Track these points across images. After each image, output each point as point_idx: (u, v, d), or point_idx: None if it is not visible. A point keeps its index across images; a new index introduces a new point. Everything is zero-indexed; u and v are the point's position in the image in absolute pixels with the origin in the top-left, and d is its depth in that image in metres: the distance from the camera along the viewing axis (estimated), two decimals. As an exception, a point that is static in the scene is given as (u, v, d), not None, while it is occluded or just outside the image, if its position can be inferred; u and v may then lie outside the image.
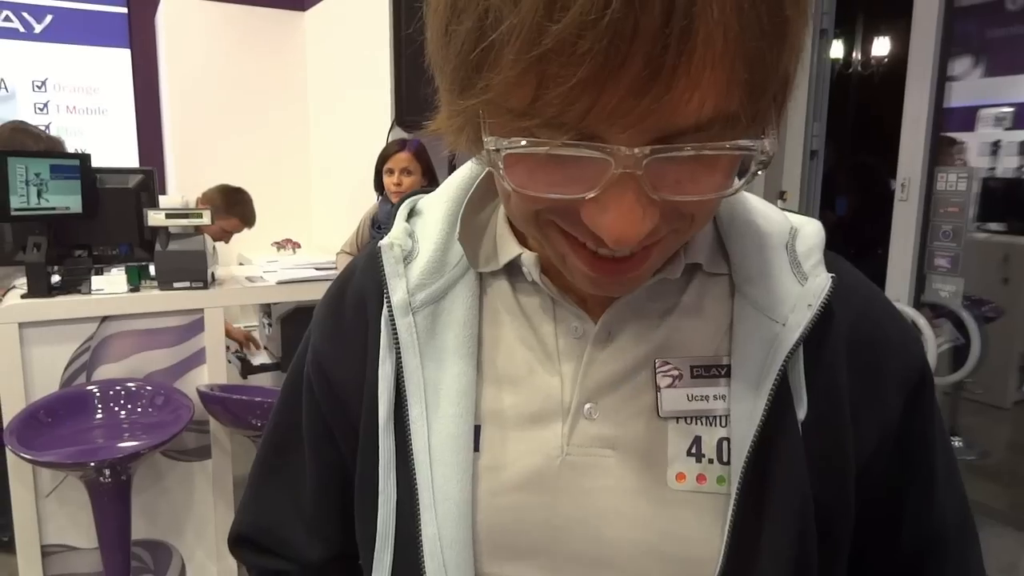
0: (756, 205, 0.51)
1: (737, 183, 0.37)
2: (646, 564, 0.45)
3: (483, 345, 0.49)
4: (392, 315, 0.48)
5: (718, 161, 0.35)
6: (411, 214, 0.53)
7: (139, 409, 1.97)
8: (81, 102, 4.21)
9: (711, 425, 0.46)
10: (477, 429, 0.47)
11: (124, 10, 4.24)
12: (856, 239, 2.83)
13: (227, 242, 3.06)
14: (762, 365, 0.45)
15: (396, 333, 0.47)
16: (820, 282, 0.46)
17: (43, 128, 2.85)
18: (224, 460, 2.21)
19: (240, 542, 0.61)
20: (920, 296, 2.31)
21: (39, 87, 4.12)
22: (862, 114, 4.41)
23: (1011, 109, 5.50)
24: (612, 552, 0.46)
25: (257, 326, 3.13)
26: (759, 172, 0.36)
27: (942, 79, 2.23)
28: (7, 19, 4.01)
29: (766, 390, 0.44)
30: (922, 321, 2.22)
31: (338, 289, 0.55)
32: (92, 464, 1.74)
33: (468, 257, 0.50)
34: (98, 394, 1.96)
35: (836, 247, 0.50)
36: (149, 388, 2.01)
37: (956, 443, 3.45)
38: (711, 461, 0.45)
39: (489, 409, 0.48)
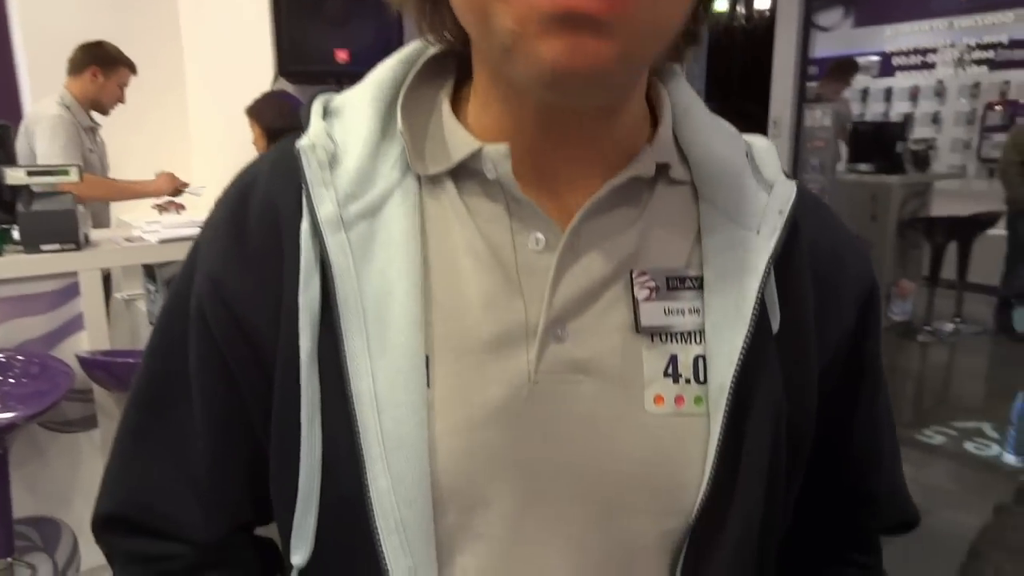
0: (713, 119, 0.50)
1: None
2: (626, 497, 0.43)
3: (429, 263, 0.43)
4: (319, 232, 0.41)
5: None
6: (325, 114, 0.46)
7: (12, 380, 1.87)
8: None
9: (686, 343, 0.44)
10: (426, 361, 0.42)
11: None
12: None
13: (124, 101, 2.91)
14: (739, 277, 0.43)
15: (325, 253, 0.41)
16: (786, 189, 0.46)
17: None
18: (114, 429, 2.13)
19: (109, 524, 0.50)
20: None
21: None
22: (745, 64, 4.63)
23: (877, 58, 5.94)
24: (589, 488, 0.43)
25: (142, 293, 3.00)
26: None
27: (807, 28, 2.38)
28: None
29: (749, 304, 0.42)
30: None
31: (238, 200, 0.46)
32: (-38, 438, 1.65)
33: (411, 156, 0.44)
34: (-36, 366, 1.85)
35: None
36: (21, 357, 1.91)
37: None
38: (688, 381, 0.43)
39: (440, 337, 0.42)
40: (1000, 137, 4.86)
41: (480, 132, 0.44)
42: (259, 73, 2.92)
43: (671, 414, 0.43)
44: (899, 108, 5.82)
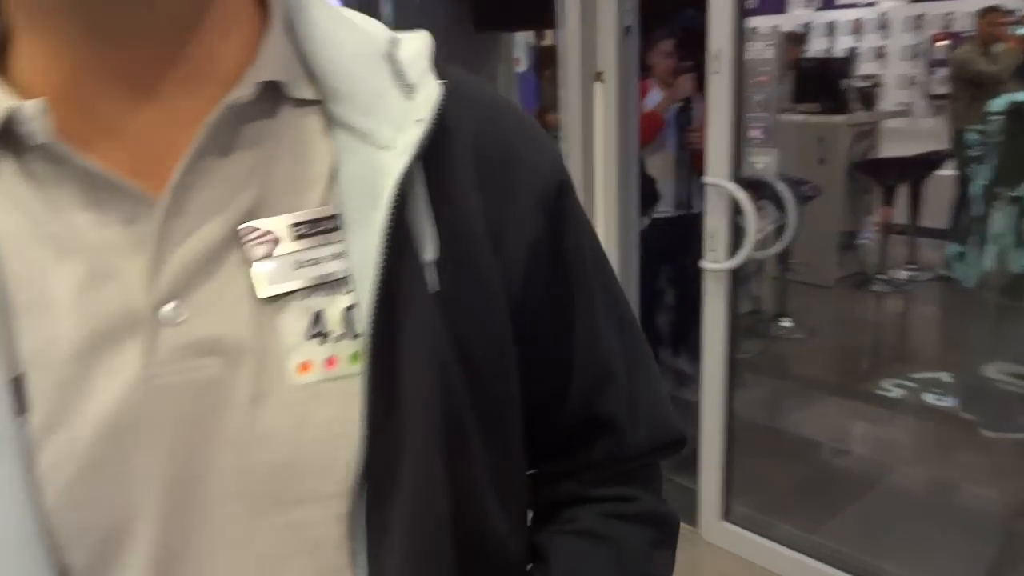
0: (345, 13, 0.46)
1: None
2: (286, 486, 0.40)
3: (1, 261, 0.38)
4: None
5: None
6: None
7: None
8: None
9: (334, 293, 0.41)
10: (18, 381, 0.37)
11: None
12: (681, 117, 2.90)
13: None
14: (374, 207, 0.40)
15: None
16: (429, 92, 0.42)
17: None
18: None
19: None
20: (739, 171, 2.32)
21: None
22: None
23: (819, -10, 5.98)
24: (243, 484, 0.39)
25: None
26: None
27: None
28: None
29: (376, 234, 0.39)
30: (741, 195, 2.26)
31: None
32: None
33: None
34: None
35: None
36: None
37: (787, 323, 3.76)
38: (340, 338, 0.41)
39: (31, 349, 0.38)
40: (946, 72, 4.94)
41: (32, 91, 0.38)
42: None
43: (321, 380, 0.40)
44: (843, 43, 5.86)
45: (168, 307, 0.38)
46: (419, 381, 0.40)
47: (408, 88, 0.43)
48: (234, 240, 0.40)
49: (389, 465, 0.40)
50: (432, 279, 0.41)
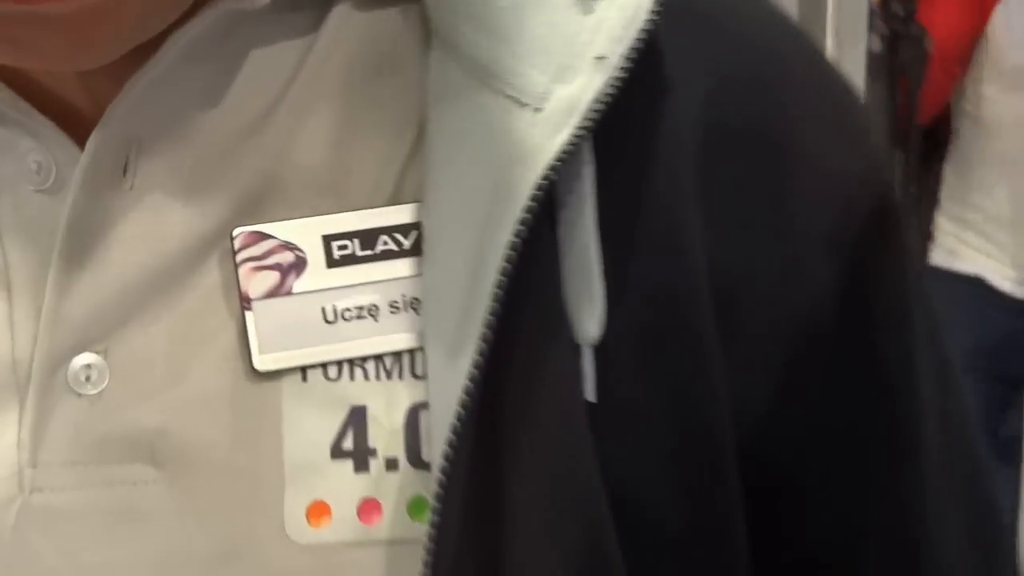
0: None
1: None
2: None
3: None
4: None
5: None
6: None
7: None
8: None
9: (388, 376, 0.26)
10: None
11: None
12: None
13: None
14: (487, 216, 0.25)
15: None
16: (625, 5, 0.26)
17: None
18: None
19: None
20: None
21: None
22: None
23: None
24: None
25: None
26: None
27: None
28: None
29: (489, 276, 0.24)
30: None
31: None
32: None
33: None
34: None
35: None
36: None
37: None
38: (392, 464, 0.26)
39: None
40: None
41: None
42: None
43: (348, 543, 0.26)
44: None
45: (78, 361, 0.26)
46: (542, 567, 0.26)
47: None
48: (218, 249, 0.27)
49: None
50: (589, 377, 0.26)
